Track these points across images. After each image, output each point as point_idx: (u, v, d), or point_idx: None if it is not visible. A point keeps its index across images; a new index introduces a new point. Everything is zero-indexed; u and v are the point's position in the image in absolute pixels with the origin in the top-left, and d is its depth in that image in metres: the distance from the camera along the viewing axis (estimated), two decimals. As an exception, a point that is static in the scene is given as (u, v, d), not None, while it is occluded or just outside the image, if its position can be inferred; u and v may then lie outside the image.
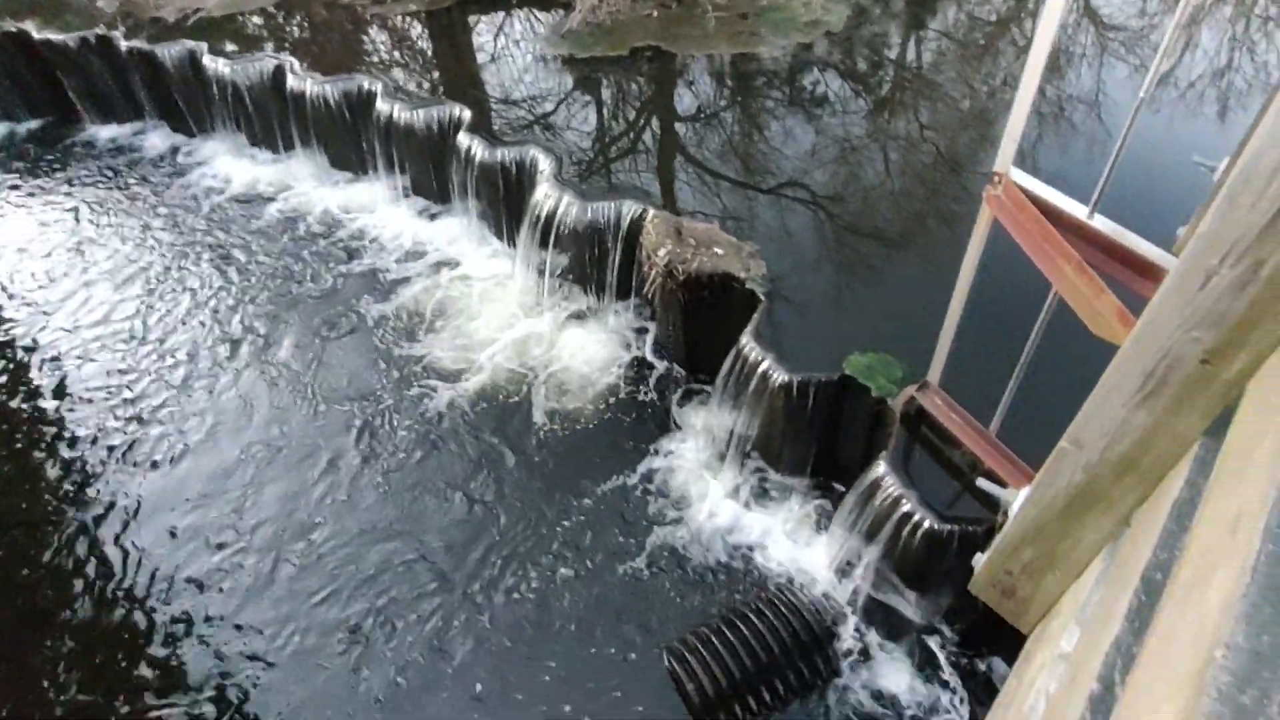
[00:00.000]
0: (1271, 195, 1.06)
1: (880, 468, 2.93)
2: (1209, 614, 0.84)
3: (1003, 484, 2.64)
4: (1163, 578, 1.13)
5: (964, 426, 2.84)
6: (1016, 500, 1.81)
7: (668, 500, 3.66)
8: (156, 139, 6.04)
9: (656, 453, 3.85)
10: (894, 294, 3.62)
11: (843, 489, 3.46)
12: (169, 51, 5.57)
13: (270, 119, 5.57)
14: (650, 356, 4.28)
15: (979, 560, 1.90)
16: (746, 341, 3.36)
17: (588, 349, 4.34)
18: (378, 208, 5.34)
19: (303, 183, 5.58)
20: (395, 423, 4.04)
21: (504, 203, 4.66)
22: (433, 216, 5.22)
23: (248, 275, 4.97)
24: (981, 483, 2.26)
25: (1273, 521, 0.85)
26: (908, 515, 2.80)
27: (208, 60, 5.46)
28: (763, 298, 3.47)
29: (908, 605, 3.09)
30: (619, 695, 3.03)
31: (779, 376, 3.19)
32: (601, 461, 3.81)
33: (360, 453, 3.91)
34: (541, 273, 4.46)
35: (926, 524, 2.75)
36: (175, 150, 5.96)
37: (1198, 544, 1.06)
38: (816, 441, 3.41)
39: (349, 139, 5.32)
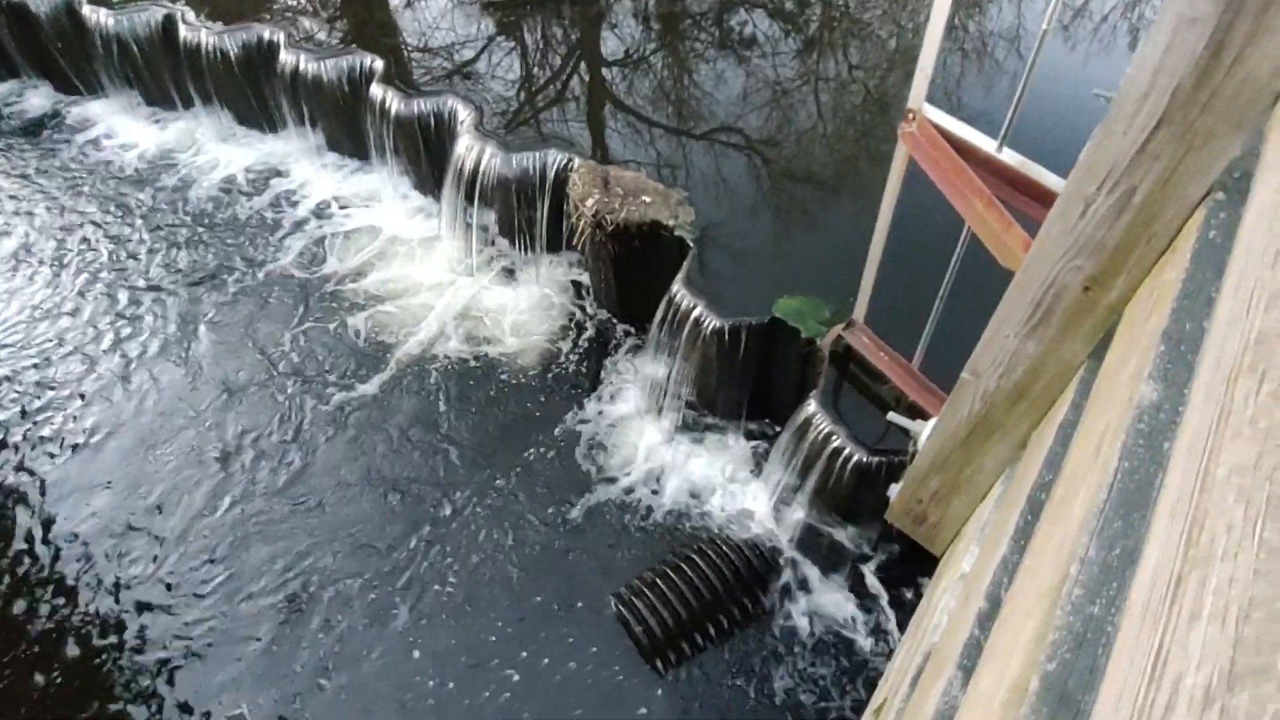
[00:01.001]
0: (1141, 121, 1.07)
1: (811, 406, 3.00)
2: (1070, 530, 0.88)
3: (926, 416, 2.73)
4: (1044, 498, 1.18)
5: (889, 362, 2.91)
6: (924, 431, 1.87)
7: (607, 451, 3.67)
8: (37, 99, 5.58)
9: (594, 404, 3.86)
10: (824, 237, 3.61)
11: (777, 429, 3.53)
12: (41, 1, 5.10)
13: (164, 74, 5.20)
14: (584, 309, 4.26)
15: (894, 491, 1.97)
16: (678, 289, 3.37)
17: (520, 304, 4.30)
18: (290, 167, 5.10)
19: (207, 143, 5.28)
20: (321, 393, 3.94)
21: (425, 157, 4.51)
22: (351, 174, 5.02)
23: (151, 247, 4.71)
24: (892, 416, 2.34)
25: (1129, 439, 0.88)
26: (838, 450, 2.89)
27: (87, 10, 5.02)
28: (692, 245, 3.47)
29: (842, 536, 3.22)
30: (572, 642, 3.10)
31: (711, 322, 3.22)
32: (538, 417, 3.81)
33: (285, 427, 3.80)
34: (469, 228, 4.36)
35: (856, 458, 2.84)
36: (59, 112, 5.51)
37: (1071, 464, 1.10)
38: (750, 384, 3.46)
39: (254, 94, 5.02)
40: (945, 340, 2.68)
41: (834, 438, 2.90)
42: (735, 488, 3.50)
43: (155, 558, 3.36)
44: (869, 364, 3.00)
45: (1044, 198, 2.12)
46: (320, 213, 4.85)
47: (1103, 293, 1.26)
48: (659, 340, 3.58)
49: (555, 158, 3.93)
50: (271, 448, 3.75)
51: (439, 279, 4.46)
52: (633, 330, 4.14)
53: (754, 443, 3.61)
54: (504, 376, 3.98)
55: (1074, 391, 1.33)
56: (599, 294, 4.24)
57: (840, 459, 2.88)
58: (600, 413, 3.82)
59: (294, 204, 4.91)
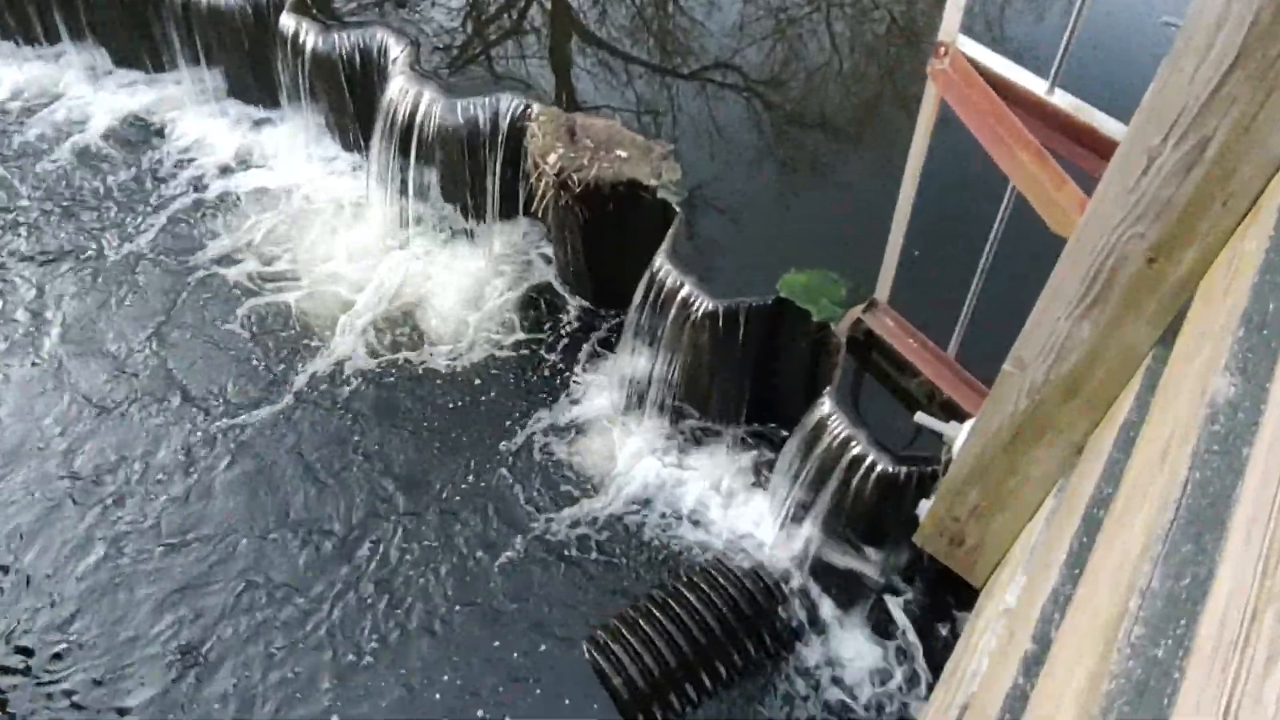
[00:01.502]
0: (1214, 58, 1.08)
1: (825, 405, 3.00)
2: (1131, 554, 0.89)
3: (964, 416, 2.76)
4: (1102, 514, 1.19)
5: (919, 350, 2.93)
6: (960, 434, 1.88)
7: (576, 466, 3.69)
8: None
9: (560, 409, 3.86)
10: (840, 197, 3.64)
11: (784, 433, 3.53)
12: None
13: (23, 3, 5.10)
14: (547, 290, 4.25)
15: (924, 508, 1.99)
16: (661, 264, 3.37)
17: (469, 286, 4.27)
18: (183, 117, 5.04)
19: (78, 87, 5.20)
20: (212, 405, 3.92)
21: (350, 103, 4.47)
22: (258, 125, 4.98)
23: (10, 217, 4.61)
24: (921, 417, 2.35)
25: (1201, 443, 0.89)
26: (858, 459, 2.89)
27: (-81, -78, 4.94)
28: (678, 209, 3.48)
29: (864, 563, 3.24)
30: (538, 697, 3.11)
31: (702, 304, 3.23)
32: (494, 424, 3.81)
33: (167, 449, 3.76)
34: (403, 192, 4.33)
35: (880, 467, 2.84)
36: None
37: (1133, 473, 1.11)
38: (751, 379, 3.47)
39: (136, 28, 4.94)
40: (987, 323, 2.70)
41: (853, 443, 2.90)
42: (733, 506, 3.52)
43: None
44: (895, 352, 3.00)
45: (1103, 149, 2.14)
46: (218, 174, 4.79)
47: (1170, 265, 1.27)
48: (639, 327, 3.57)
49: (510, 104, 3.89)
50: (150, 475, 3.70)
51: (366, 255, 4.42)
52: (607, 315, 4.12)
53: (756, 451, 3.63)
54: (446, 378, 3.97)
55: (1138, 385, 1.34)
56: (565, 271, 4.20)
57: (861, 469, 2.89)
58: (568, 419, 3.82)
59: (183, 163, 4.84)
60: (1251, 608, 0.61)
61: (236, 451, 3.76)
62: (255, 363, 4.06)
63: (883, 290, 3.01)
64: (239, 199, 4.70)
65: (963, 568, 1.91)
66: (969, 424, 1.87)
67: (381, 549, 3.46)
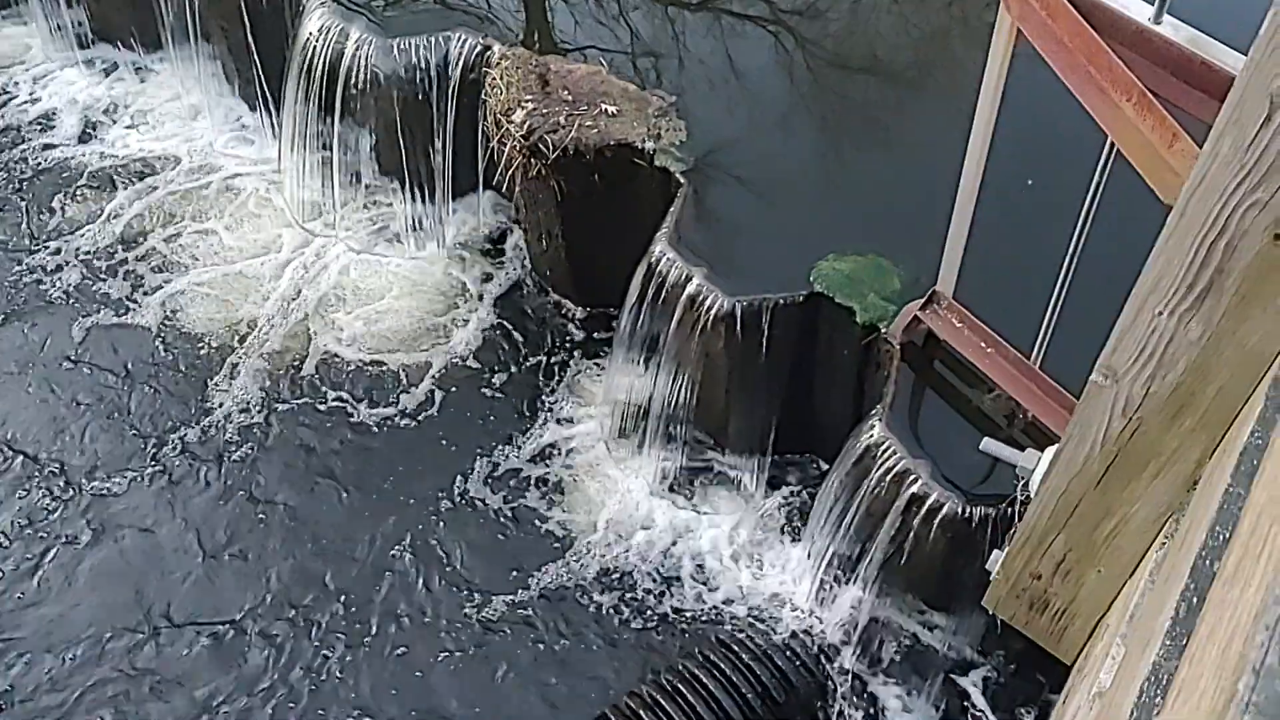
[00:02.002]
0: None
1: (875, 430, 2.98)
2: (1242, 621, 0.89)
3: (1052, 441, 2.76)
4: (1214, 568, 1.20)
5: (994, 357, 2.91)
6: (1039, 466, 1.89)
7: (559, 512, 3.69)
8: None
9: (537, 440, 3.88)
10: (891, 162, 3.69)
11: (822, 466, 3.52)
12: None
13: None
14: (516, 288, 4.23)
15: (996, 561, 1.99)
16: (662, 251, 3.35)
17: (413, 286, 4.26)
18: (33, 65, 5.04)
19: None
20: (86, 458, 3.86)
21: (253, 45, 4.45)
22: (132, 75, 4.99)
23: None
24: (988, 444, 2.36)
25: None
26: (919, 498, 2.88)
27: None
28: (684, 180, 3.46)
29: (928, 631, 3.24)
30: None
31: (715, 302, 3.21)
32: (446, 470, 3.80)
33: (31, 518, 3.70)
34: (326, 160, 4.31)
35: (946, 508, 2.83)
36: None
37: (1252, 514, 1.11)
38: (779, 399, 3.46)
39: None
40: (1084, 322, 2.70)
41: (911, 478, 2.89)
42: (759, 561, 3.51)
43: None
44: (963, 361, 3.00)
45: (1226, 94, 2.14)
46: (76, 140, 4.79)
47: (1301, 242, 1.28)
48: (636, 334, 3.56)
49: (464, 44, 3.91)
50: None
51: (274, 249, 4.40)
52: (595, 318, 4.11)
53: (787, 490, 3.64)
54: (383, 414, 3.96)
55: (1263, 399, 1.35)
56: (540, 262, 4.21)
57: (922, 511, 2.87)
58: (548, 454, 3.82)
59: (29, 127, 4.83)
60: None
61: (101, 529, 3.68)
62: (122, 405, 3.98)
63: (947, 281, 2.99)
64: (101, 172, 4.67)
65: (1048, 639, 1.92)
66: (1049, 452, 1.87)
67: (295, 644, 3.43)
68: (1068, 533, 1.75)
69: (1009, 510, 2.79)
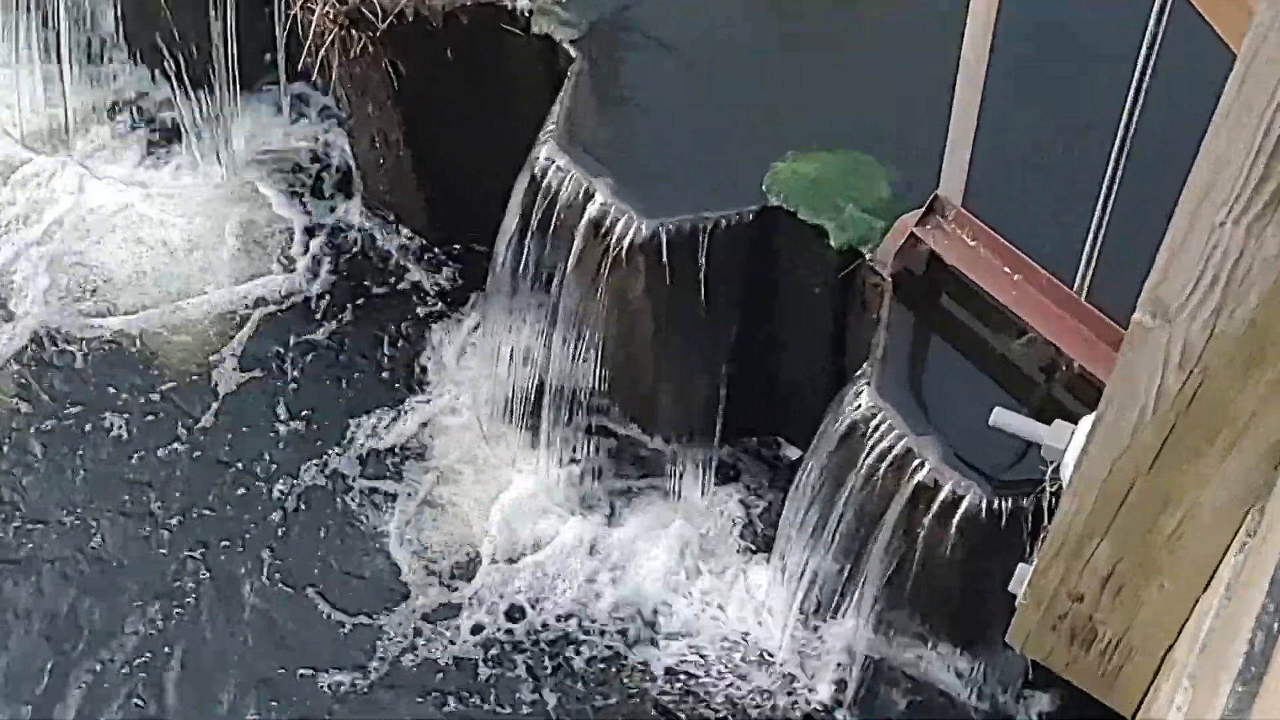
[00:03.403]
0: None
1: (864, 399, 2.96)
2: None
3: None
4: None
5: (1023, 286, 2.90)
6: (1071, 444, 1.88)
7: (420, 534, 3.66)
8: None
9: (384, 429, 3.84)
10: (868, 19, 3.62)
11: (793, 452, 3.56)
12: None
13: None
14: (342, 217, 4.23)
15: (1021, 581, 1.98)
16: (549, 156, 3.28)
17: (188, 222, 4.24)
18: None
19: None
20: None
21: None
22: None
23: None
24: (1000, 415, 2.37)
25: None
26: (927, 489, 2.88)
27: None
28: (575, 54, 3.38)
29: (946, 674, 3.26)
30: None
31: (630, 226, 3.14)
32: (263, 463, 3.80)
33: None
34: (53, 43, 4.20)
35: (967, 501, 2.82)
36: None
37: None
38: (726, 360, 3.41)
39: None
40: (1140, 238, 2.73)
41: (916, 463, 2.87)
42: (711, 589, 3.50)
43: None
44: (980, 291, 3.00)
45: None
46: None
47: None
48: (517, 275, 3.48)
49: None
50: None
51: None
52: (456, 258, 4.11)
53: (743, 488, 3.66)
54: (155, 406, 3.94)
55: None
56: (374, 180, 4.14)
57: (934, 506, 2.86)
58: (393, 459, 3.77)
59: None
60: None
61: None
62: None
63: (953, 183, 2.91)
64: None
65: (1098, 683, 1.91)
66: (1085, 423, 1.85)
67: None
68: (1115, 535, 1.75)
69: (1054, 500, 2.70)
